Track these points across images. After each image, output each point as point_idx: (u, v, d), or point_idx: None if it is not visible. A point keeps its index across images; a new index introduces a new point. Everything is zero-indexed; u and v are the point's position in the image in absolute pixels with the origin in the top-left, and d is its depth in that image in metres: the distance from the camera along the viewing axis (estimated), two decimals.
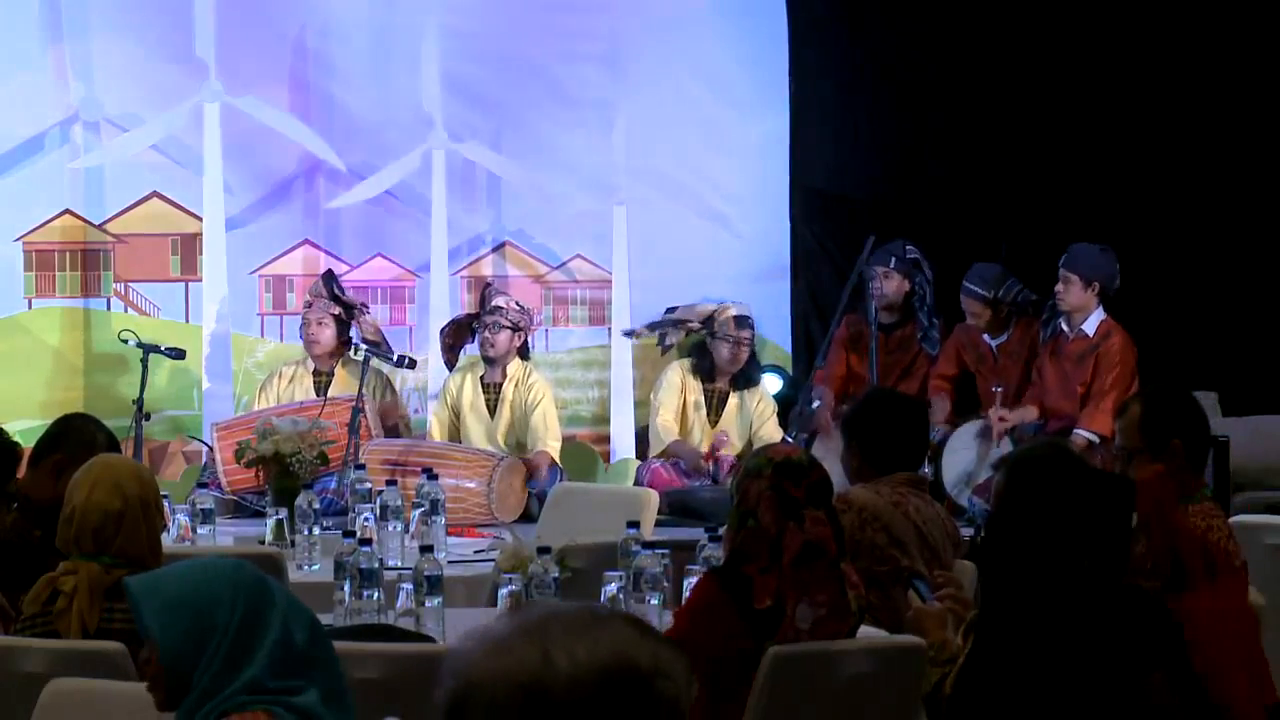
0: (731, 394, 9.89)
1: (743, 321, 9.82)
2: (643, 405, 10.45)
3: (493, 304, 9.71)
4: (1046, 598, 4.25)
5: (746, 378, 9.88)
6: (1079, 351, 9.44)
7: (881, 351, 9.83)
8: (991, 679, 4.26)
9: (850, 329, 10.03)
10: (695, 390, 9.90)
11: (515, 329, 9.67)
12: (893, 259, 9.93)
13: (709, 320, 9.86)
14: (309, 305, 9.75)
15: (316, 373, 9.78)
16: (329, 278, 9.84)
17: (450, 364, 9.91)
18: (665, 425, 9.84)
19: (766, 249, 11.07)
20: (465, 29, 10.75)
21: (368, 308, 9.96)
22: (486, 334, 9.65)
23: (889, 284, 9.93)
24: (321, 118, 10.66)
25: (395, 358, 9.60)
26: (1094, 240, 9.61)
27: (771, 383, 10.49)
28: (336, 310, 9.74)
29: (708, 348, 9.86)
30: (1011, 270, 9.81)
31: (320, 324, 9.70)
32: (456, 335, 9.88)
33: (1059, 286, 9.38)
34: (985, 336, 9.79)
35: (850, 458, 6.41)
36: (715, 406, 9.91)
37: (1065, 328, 9.49)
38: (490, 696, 2.35)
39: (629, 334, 10.47)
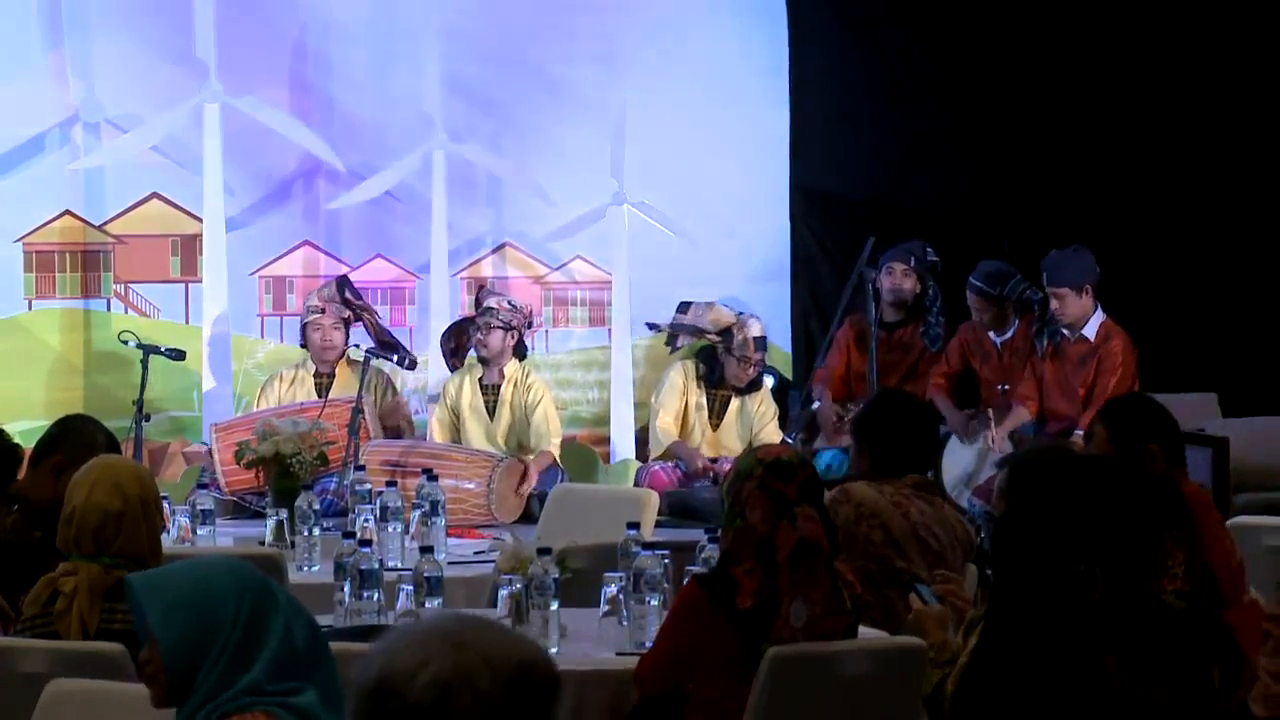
0: (734, 398, 9.88)
1: (761, 343, 9.78)
2: (643, 406, 10.45)
3: (485, 305, 9.71)
4: (1051, 600, 4.25)
5: (751, 384, 9.87)
6: (1080, 354, 9.44)
7: (881, 350, 9.83)
8: (995, 680, 4.26)
9: (854, 328, 10.03)
10: (697, 393, 9.88)
11: (508, 328, 9.65)
12: (913, 258, 9.95)
13: (726, 333, 9.81)
14: (321, 310, 9.70)
15: (317, 374, 9.77)
16: (343, 283, 9.83)
17: (454, 369, 9.91)
18: (665, 428, 9.83)
19: (766, 250, 11.07)
20: (465, 29, 10.74)
21: (375, 310, 9.98)
22: (479, 335, 9.65)
23: (906, 281, 9.94)
24: (322, 118, 10.65)
25: (396, 358, 9.60)
26: (1094, 241, 9.61)
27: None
28: (347, 314, 9.74)
29: (718, 357, 9.82)
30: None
31: (335, 329, 9.70)
32: (458, 339, 9.88)
33: (1054, 304, 9.38)
34: (990, 334, 9.80)
35: (859, 460, 6.39)
36: (717, 410, 9.90)
37: (1066, 331, 9.49)
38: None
39: (653, 326, 10.36)
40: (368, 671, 2.48)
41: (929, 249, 10.02)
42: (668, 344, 10.18)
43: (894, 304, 9.98)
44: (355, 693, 2.47)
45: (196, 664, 3.42)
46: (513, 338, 9.68)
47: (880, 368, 9.73)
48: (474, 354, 9.82)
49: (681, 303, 10.07)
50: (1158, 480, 4.76)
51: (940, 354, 9.98)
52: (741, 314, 9.90)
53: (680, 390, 9.87)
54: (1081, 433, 9.13)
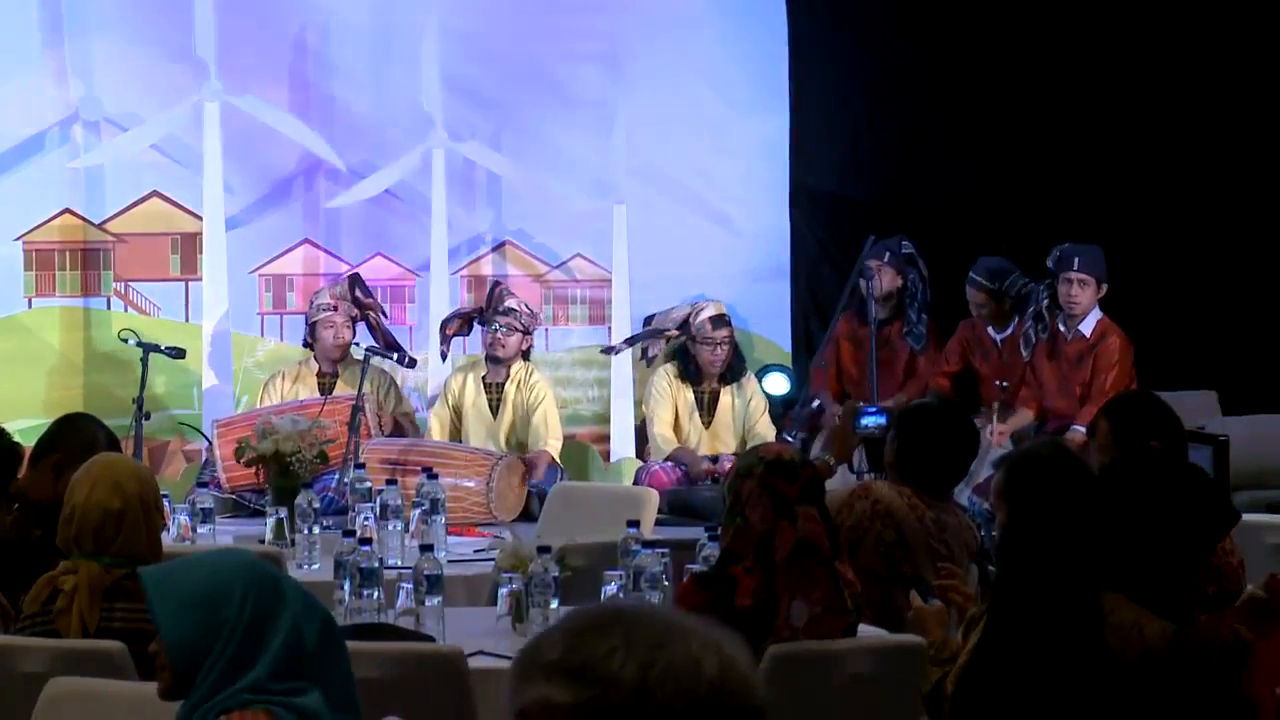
0: (723, 392, 9.88)
1: (719, 321, 9.79)
2: (642, 404, 10.44)
3: (506, 305, 9.69)
4: (1053, 597, 4.25)
5: (734, 372, 9.88)
6: (1077, 352, 9.44)
7: (869, 349, 9.91)
8: (996, 678, 4.26)
9: (848, 326, 10.04)
10: (684, 391, 9.89)
11: (525, 332, 9.69)
12: (888, 253, 9.91)
13: (685, 325, 9.84)
14: (334, 309, 9.69)
15: (320, 373, 9.77)
16: (355, 281, 9.83)
17: (443, 355, 9.94)
18: (664, 436, 9.83)
19: (766, 249, 11.07)
20: (465, 28, 10.74)
21: (385, 311, 9.99)
22: (498, 334, 9.64)
23: (883, 277, 9.92)
24: (322, 117, 10.65)
25: (397, 356, 9.61)
26: (1094, 240, 9.61)
27: (778, 383, 10.49)
28: (355, 313, 9.75)
29: (690, 351, 9.85)
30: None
31: (346, 327, 9.71)
32: (459, 328, 9.88)
33: (1074, 290, 9.34)
34: (989, 330, 9.81)
35: (888, 451, 6.35)
36: (708, 407, 9.90)
37: (1062, 328, 9.49)
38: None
39: (609, 350, 10.45)
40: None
41: (905, 241, 9.97)
42: (642, 357, 10.20)
43: (877, 300, 9.97)
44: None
45: (201, 659, 3.43)
46: (528, 341, 9.73)
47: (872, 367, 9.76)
48: (473, 349, 9.82)
49: (646, 317, 10.14)
50: (1208, 482, 4.73)
51: (925, 351, 9.98)
52: (696, 303, 9.93)
53: (669, 394, 9.89)
54: (1079, 428, 9.15)
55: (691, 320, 9.81)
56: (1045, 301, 9.51)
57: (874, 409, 8.74)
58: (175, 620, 3.45)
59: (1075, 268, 9.35)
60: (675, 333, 9.89)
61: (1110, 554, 4.39)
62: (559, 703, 2.12)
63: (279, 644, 3.43)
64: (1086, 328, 9.43)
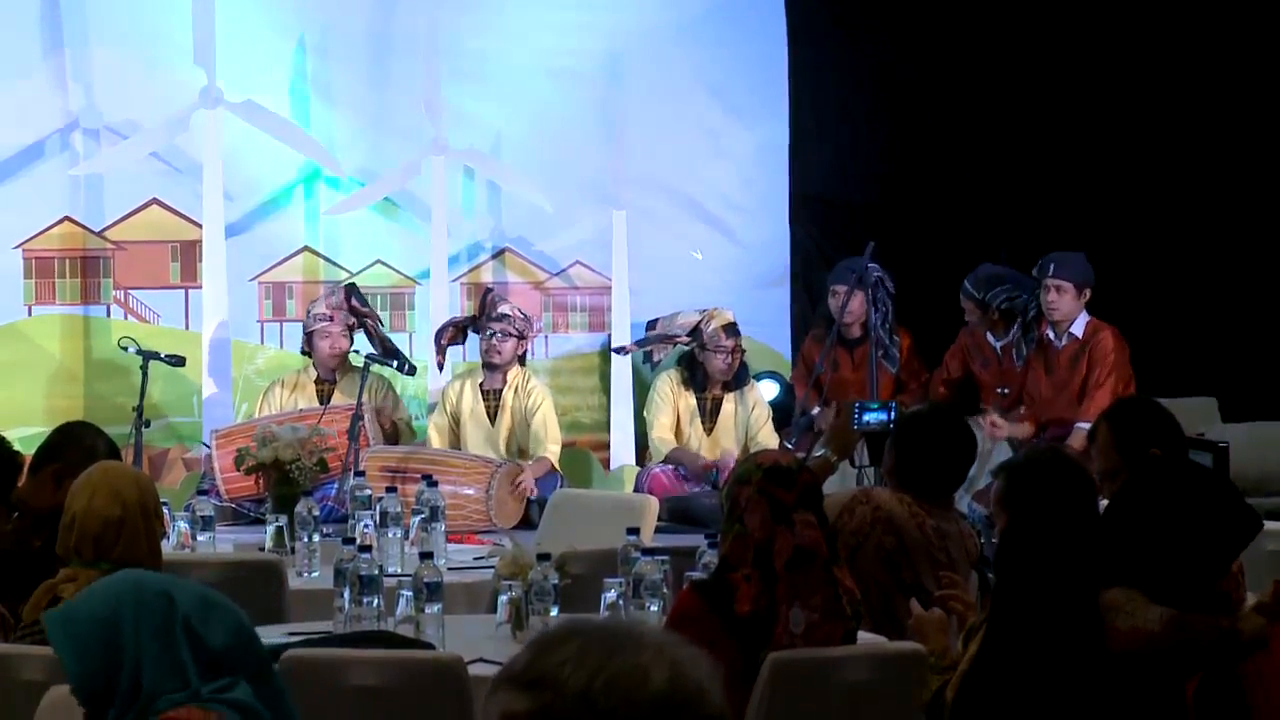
0: (725, 399, 9.89)
1: (732, 329, 9.80)
2: (645, 409, 10.45)
3: (499, 311, 9.71)
4: (1053, 605, 4.25)
5: (738, 380, 9.89)
6: (1072, 353, 9.46)
7: (846, 369, 9.92)
8: (997, 686, 4.26)
9: (817, 346, 10.05)
10: (687, 397, 9.90)
11: (520, 337, 9.70)
12: (852, 275, 9.80)
13: (696, 332, 9.85)
14: (330, 319, 9.70)
15: (319, 381, 9.78)
16: (351, 290, 9.83)
17: (439, 365, 9.95)
18: (663, 438, 9.85)
19: (766, 255, 11.08)
20: (464, 35, 10.75)
21: (379, 318, 9.99)
22: (494, 341, 9.64)
23: (852, 303, 9.85)
24: (321, 124, 10.66)
25: (396, 364, 9.61)
26: (1094, 246, 9.62)
27: (768, 389, 10.49)
28: (352, 321, 9.75)
29: (697, 359, 9.85)
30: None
31: (343, 336, 9.71)
32: (452, 338, 9.89)
33: (1051, 296, 9.37)
34: (989, 337, 9.81)
35: (886, 458, 6.36)
36: (710, 414, 9.91)
37: (1051, 335, 9.50)
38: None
39: (620, 350, 10.47)
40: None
41: (871, 265, 9.80)
42: (645, 361, 10.22)
43: (849, 322, 9.96)
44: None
45: (110, 687, 3.42)
46: (523, 346, 9.74)
47: (846, 385, 9.80)
48: (470, 356, 9.83)
49: (649, 322, 10.14)
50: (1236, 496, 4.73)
51: (900, 365, 9.97)
52: (706, 310, 9.93)
53: (670, 399, 9.90)
54: (1083, 426, 9.14)
55: (703, 328, 9.81)
56: (1034, 311, 9.52)
57: (875, 405, 8.76)
58: (76, 658, 3.44)
59: (1051, 274, 9.38)
60: (686, 339, 9.90)
61: (1133, 560, 4.40)
62: (518, 710, 2.24)
63: (187, 652, 3.42)
64: (1078, 329, 9.46)
